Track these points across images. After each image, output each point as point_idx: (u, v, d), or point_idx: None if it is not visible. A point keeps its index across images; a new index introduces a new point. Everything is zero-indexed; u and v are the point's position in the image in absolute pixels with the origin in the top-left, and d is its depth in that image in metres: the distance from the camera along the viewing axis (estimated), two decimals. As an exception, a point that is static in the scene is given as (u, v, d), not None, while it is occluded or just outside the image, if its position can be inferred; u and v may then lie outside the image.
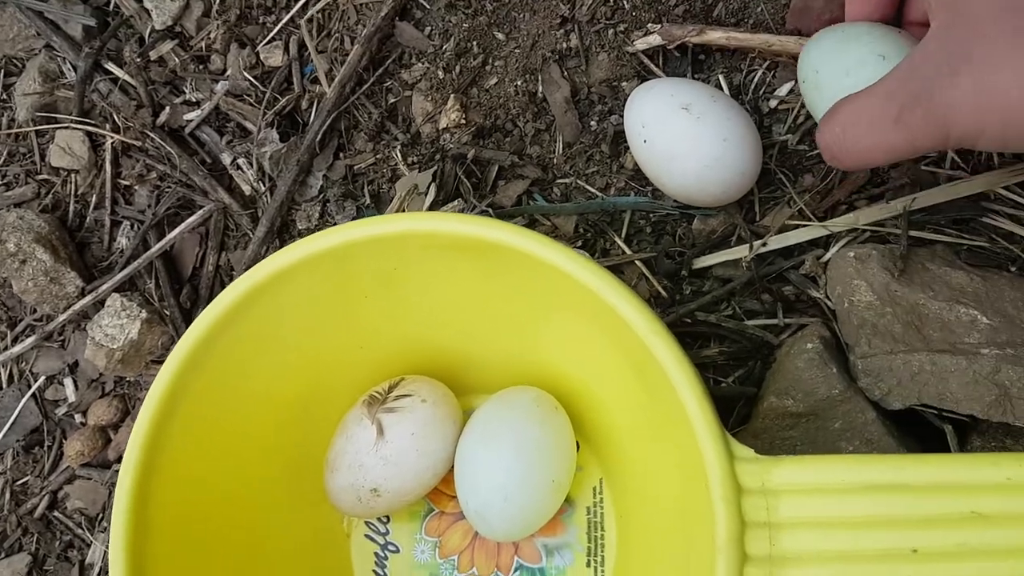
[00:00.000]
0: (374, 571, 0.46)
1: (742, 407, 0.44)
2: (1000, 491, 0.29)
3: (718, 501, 0.31)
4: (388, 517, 0.46)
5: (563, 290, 0.36)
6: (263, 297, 0.38)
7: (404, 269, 0.40)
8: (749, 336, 0.44)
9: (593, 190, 0.49)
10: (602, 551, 0.44)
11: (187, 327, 0.49)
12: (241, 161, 0.53)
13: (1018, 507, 0.29)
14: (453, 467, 0.43)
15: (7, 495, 0.54)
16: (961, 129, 0.29)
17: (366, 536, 0.46)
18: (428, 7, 0.52)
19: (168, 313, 0.52)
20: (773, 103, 0.47)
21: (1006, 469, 0.29)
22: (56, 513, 0.53)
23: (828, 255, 0.44)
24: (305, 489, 0.45)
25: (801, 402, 0.39)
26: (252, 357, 0.40)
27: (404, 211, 0.49)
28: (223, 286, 0.46)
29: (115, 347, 0.50)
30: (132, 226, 0.55)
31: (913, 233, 0.43)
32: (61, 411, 0.54)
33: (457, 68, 0.51)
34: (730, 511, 0.31)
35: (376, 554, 0.46)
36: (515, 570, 0.44)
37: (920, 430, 0.41)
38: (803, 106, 0.45)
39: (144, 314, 0.50)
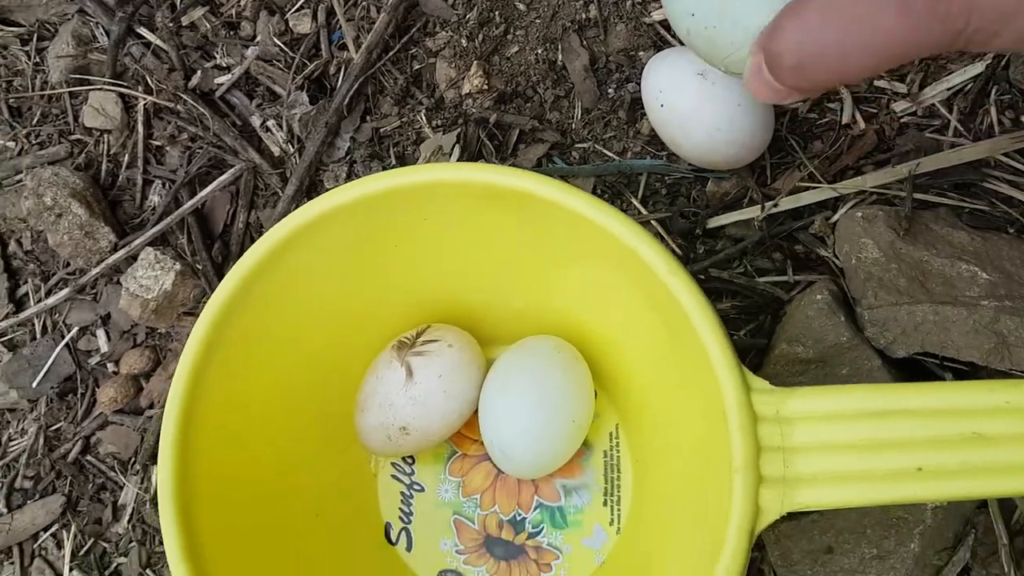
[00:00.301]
0: (400, 509, 0.48)
1: (753, 357, 0.46)
2: (999, 414, 0.32)
3: (735, 428, 0.33)
4: (413, 459, 0.48)
5: (587, 237, 0.38)
6: (297, 245, 0.40)
7: (433, 220, 0.42)
8: (760, 292, 0.47)
9: (610, 154, 0.51)
10: (618, 491, 0.46)
11: (219, 281, 0.52)
12: (271, 123, 0.55)
13: (1016, 428, 0.31)
14: (477, 410, 0.45)
15: (41, 440, 0.56)
16: (981, 17, 0.23)
17: (392, 476, 0.48)
18: (454, -24, 0.54)
19: (200, 267, 0.54)
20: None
21: (1003, 394, 0.32)
22: (89, 457, 0.55)
23: (836, 216, 0.46)
24: (334, 433, 0.47)
25: (811, 348, 0.42)
26: (285, 305, 0.42)
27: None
28: (253, 242, 0.48)
29: (149, 297, 0.52)
30: (164, 185, 0.57)
31: (917, 196, 0.46)
32: (94, 361, 0.56)
33: (480, 37, 0.54)
34: (746, 437, 0.33)
35: (402, 493, 0.48)
36: (535, 508, 0.47)
37: (922, 378, 0.43)
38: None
39: (178, 266, 0.52)
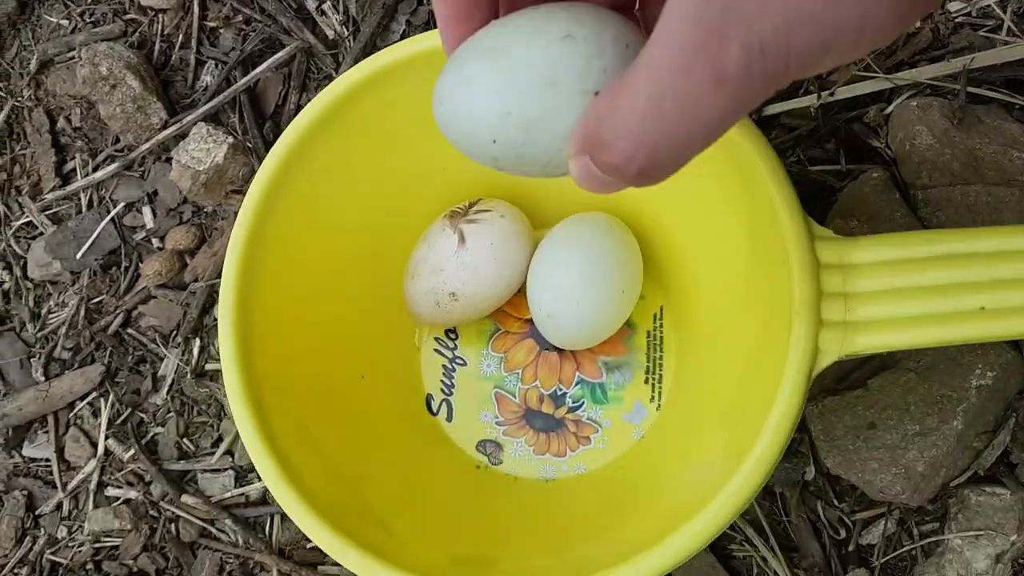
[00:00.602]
0: (442, 381, 0.48)
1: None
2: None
3: (796, 271, 0.34)
4: (456, 334, 0.49)
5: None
6: (353, 104, 0.41)
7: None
8: (812, 179, 0.47)
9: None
10: (660, 370, 0.46)
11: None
12: (326, 6, 0.56)
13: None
14: (525, 284, 0.45)
15: (82, 312, 0.56)
16: (800, 56, 0.20)
17: (435, 350, 0.49)
18: None
19: (251, 145, 0.54)
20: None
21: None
22: (129, 330, 0.56)
23: (891, 107, 0.47)
24: (381, 302, 0.48)
25: (865, 224, 0.42)
26: (341, 166, 0.43)
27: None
28: None
29: (200, 169, 0.52)
30: (216, 66, 0.57)
31: (971, 90, 0.46)
32: (139, 236, 0.56)
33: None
34: (807, 280, 0.34)
35: (444, 367, 0.49)
36: (576, 384, 0.47)
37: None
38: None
39: (230, 140, 0.53)
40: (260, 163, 0.52)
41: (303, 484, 0.36)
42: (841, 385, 0.44)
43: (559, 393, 0.47)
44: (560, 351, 0.48)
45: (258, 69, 0.55)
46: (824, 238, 0.35)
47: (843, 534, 0.46)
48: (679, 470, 0.41)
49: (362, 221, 0.46)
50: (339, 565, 0.48)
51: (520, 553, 0.41)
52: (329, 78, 0.55)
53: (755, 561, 0.46)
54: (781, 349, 0.34)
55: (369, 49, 0.54)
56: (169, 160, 0.56)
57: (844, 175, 0.47)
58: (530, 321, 0.48)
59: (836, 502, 0.46)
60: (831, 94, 0.47)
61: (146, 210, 0.57)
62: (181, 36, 0.58)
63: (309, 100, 0.52)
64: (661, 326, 0.47)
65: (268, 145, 0.54)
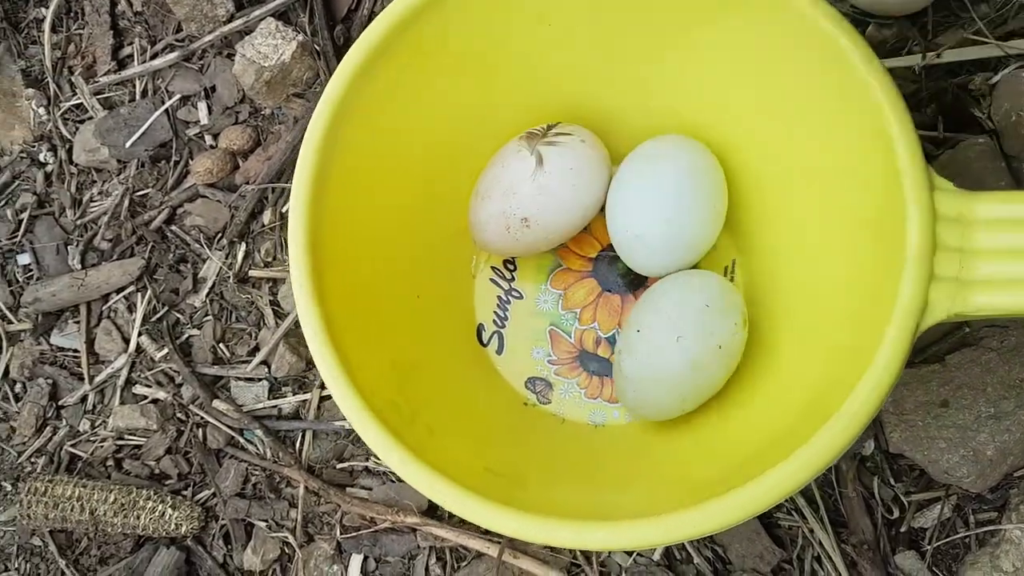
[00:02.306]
0: (495, 312, 0.46)
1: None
2: None
3: (912, 219, 0.32)
4: (515, 265, 0.47)
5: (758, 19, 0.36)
6: (432, 15, 0.38)
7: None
8: (906, 142, 0.45)
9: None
10: (727, 324, 0.44)
11: (338, 63, 0.50)
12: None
13: None
14: (595, 218, 0.43)
15: (126, 203, 0.54)
16: None
17: (491, 280, 0.47)
18: None
19: (319, 48, 0.52)
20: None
21: None
22: (173, 227, 0.54)
23: (998, 76, 0.45)
24: (440, 226, 0.46)
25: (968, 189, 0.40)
26: (413, 81, 0.40)
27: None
28: None
29: (266, 66, 0.50)
30: (289, -37, 0.55)
31: (1086, 68, 0.44)
32: (192, 132, 0.54)
33: None
34: (923, 230, 0.31)
35: (499, 298, 0.47)
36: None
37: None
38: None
39: (300, 37, 0.51)
40: (327, 68, 0.50)
41: (357, 378, 0.34)
42: (917, 358, 0.42)
43: (617, 337, 0.45)
44: (622, 294, 0.46)
45: (334, -30, 0.52)
46: (944, 189, 0.33)
47: (896, 514, 0.44)
48: (742, 424, 0.39)
49: (430, 138, 0.44)
50: (368, 488, 0.47)
51: (555, 481, 0.40)
52: (407, -12, 0.52)
53: (801, 532, 0.45)
54: (883, 302, 0.32)
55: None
56: (230, 56, 0.54)
57: (941, 142, 0.45)
58: (593, 260, 0.47)
59: (892, 480, 0.45)
60: (937, 56, 0.45)
61: (201, 105, 0.55)
62: (256, -72, 0.55)
63: (383, 7, 0.50)
64: (732, 280, 0.45)
65: (337, 49, 0.52)
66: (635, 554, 0.45)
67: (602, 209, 0.44)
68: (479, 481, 0.34)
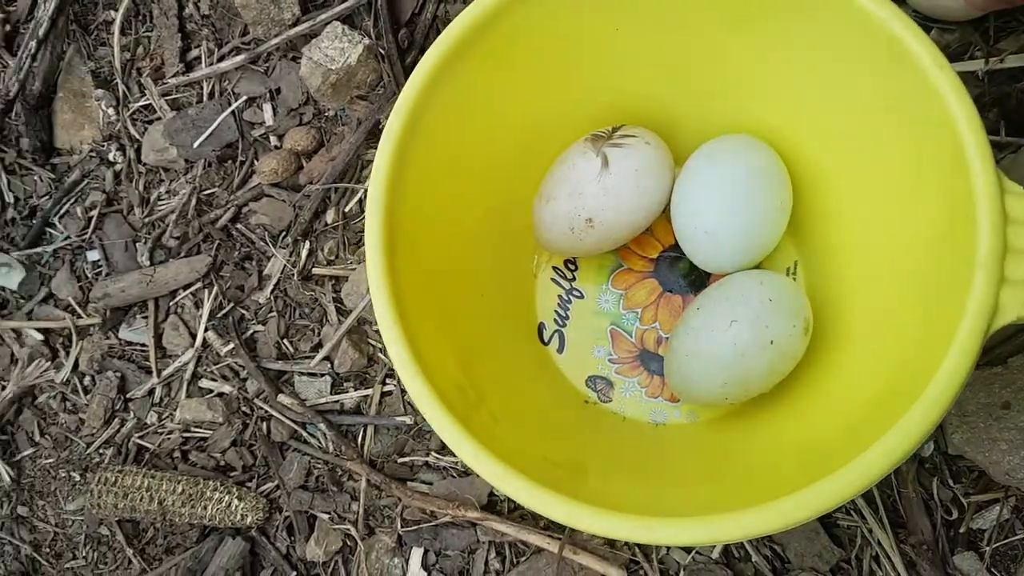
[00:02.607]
0: (556, 312, 0.47)
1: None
2: None
3: (983, 222, 0.32)
4: (576, 265, 0.48)
5: (823, 19, 0.37)
6: (502, 19, 0.39)
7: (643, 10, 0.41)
8: (968, 147, 0.45)
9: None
10: (787, 324, 0.45)
11: (402, 67, 0.51)
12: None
13: None
14: (667, 211, 0.44)
15: (193, 202, 0.56)
16: None
17: (552, 280, 0.48)
18: None
19: (383, 51, 0.53)
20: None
21: None
22: (239, 225, 0.55)
23: (1061, 82, 0.45)
24: (502, 227, 0.47)
25: (1031, 194, 0.40)
26: (485, 84, 0.41)
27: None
28: (438, 34, 0.47)
29: (332, 68, 0.51)
30: (353, -32, 0.56)
31: None
32: (257, 132, 0.56)
33: None
34: (994, 233, 0.32)
35: (560, 297, 0.47)
36: (699, 329, 0.46)
37: None
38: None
39: (366, 41, 0.52)
40: (391, 71, 0.51)
41: (426, 363, 0.35)
42: (980, 360, 0.42)
43: (678, 336, 0.46)
44: (683, 294, 0.46)
45: (398, -25, 0.54)
46: (1014, 192, 0.33)
47: (955, 515, 0.45)
48: (804, 425, 0.40)
49: (497, 140, 0.45)
50: (428, 483, 0.48)
51: (615, 475, 0.40)
52: (470, -8, 0.53)
53: (860, 532, 0.45)
54: (952, 304, 0.32)
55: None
56: (295, 59, 0.55)
57: (1004, 146, 0.45)
58: (655, 260, 0.47)
59: (951, 482, 0.45)
60: (1000, 61, 0.45)
61: (267, 107, 0.56)
62: (321, -65, 0.56)
63: (447, 12, 0.51)
64: (794, 279, 0.45)
65: (401, 53, 0.53)
66: (694, 551, 0.46)
67: (664, 210, 0.44)
68: (541, 471, 0.35)
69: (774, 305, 0.39)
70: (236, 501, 0.49)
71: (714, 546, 0.46)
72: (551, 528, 0.47)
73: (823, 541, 0.45)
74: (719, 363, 0.39)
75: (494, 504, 0.48)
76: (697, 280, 0.46)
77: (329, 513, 0.50)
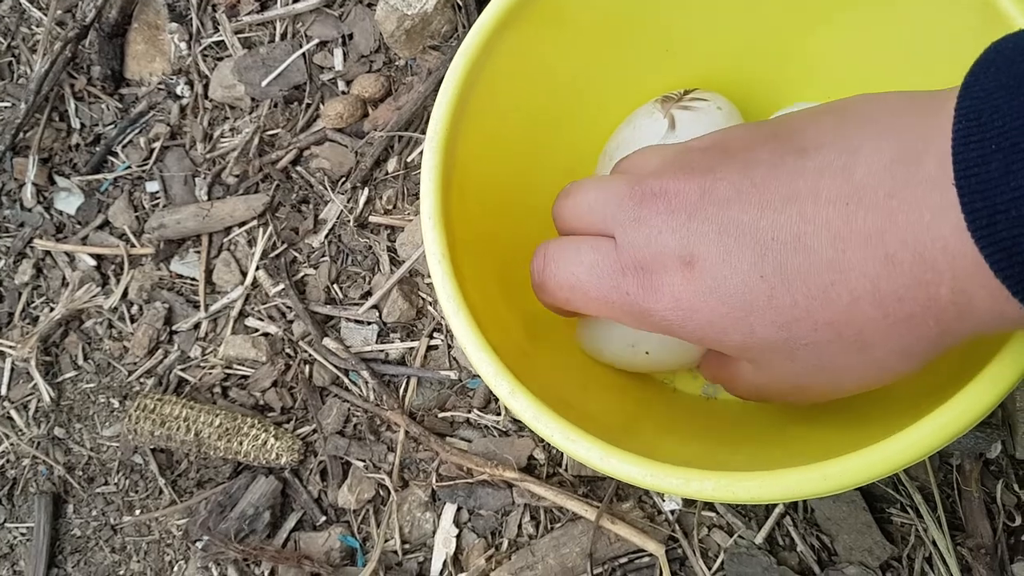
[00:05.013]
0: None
1: None
2: None
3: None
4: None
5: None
6: None
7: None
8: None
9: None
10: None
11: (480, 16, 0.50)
12: None
13: None
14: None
15: (255, 141, 0.55)
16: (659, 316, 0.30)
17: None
18: None
19: (461, 3, 0.52)
20: None
21: None
22: (299, 168, 0.54)
23: None
24: (564, 180, 0.45)
25: None
26: (550, 41, 0.40)
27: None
28: None
29: (409, 13, 0.51)
30: (437, -81, 0.55)
31: None
32: (326, 76, 0.55)
33: None
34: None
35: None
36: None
37: None
38: None
39: (445, -12, 0.51)
40: (467, 21, 0.50)
41: (480, 319, 0.34)
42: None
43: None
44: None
45: (483, -74, 0.53)
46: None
47: (1018, 521, 0.42)
48: (863, 401, 0.38)
49: (562, 96, 0.44)
50: (468, 440, 0.46)
51: (666, 436, 0.39)
52: (553, -51, 0.52)
53: (914, 531, 0.43)
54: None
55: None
56: (370, 6, 0.54)
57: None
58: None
59: (1017, 487, 0.43)
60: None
61: (338, 52, 0.55)
62: None
63: (530, -34, 0.50)
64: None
65: (479, 3, 0.52)
66: (736, 535, 0.44)
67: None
68: (586, 423, 0.33)
69: None
70: (272, 440, 0.48)
71: (758, 529, 0.44)
72: (590, 496, 0.45)
73: (875, 536, 0.43)
74: None
75: (532, 467, 0.47)
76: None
77: (364, 461, 0.49)
